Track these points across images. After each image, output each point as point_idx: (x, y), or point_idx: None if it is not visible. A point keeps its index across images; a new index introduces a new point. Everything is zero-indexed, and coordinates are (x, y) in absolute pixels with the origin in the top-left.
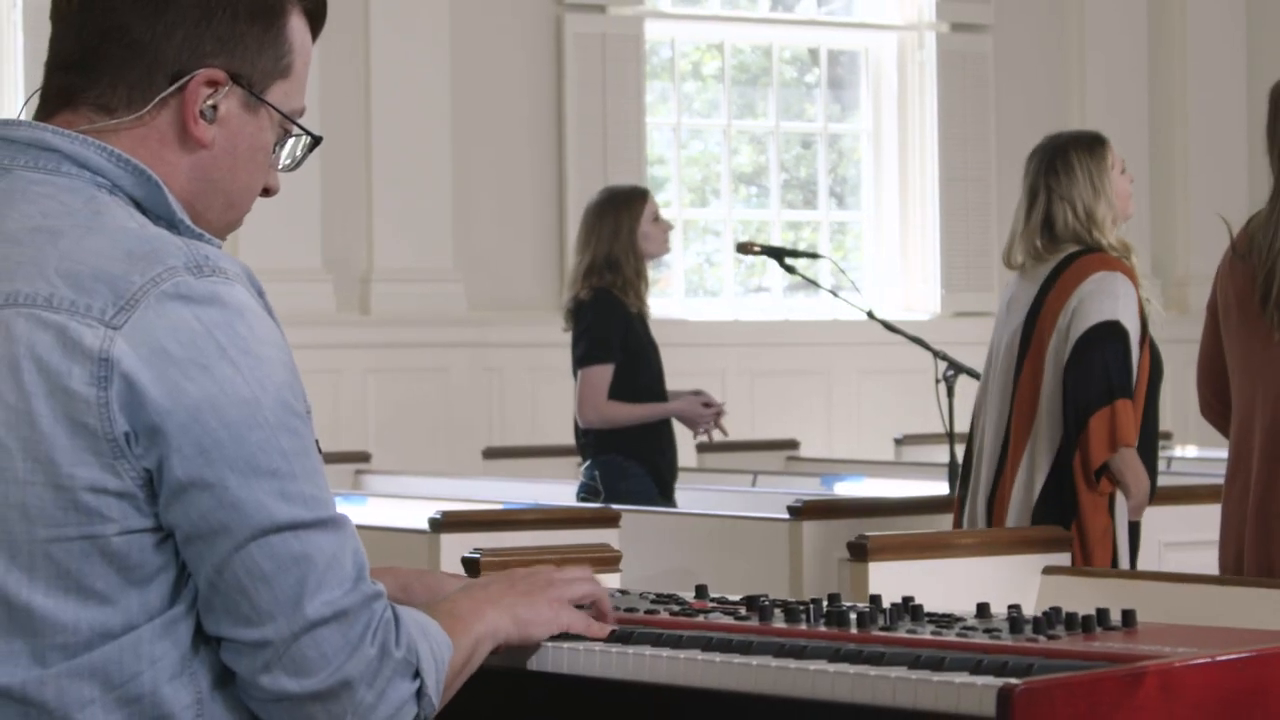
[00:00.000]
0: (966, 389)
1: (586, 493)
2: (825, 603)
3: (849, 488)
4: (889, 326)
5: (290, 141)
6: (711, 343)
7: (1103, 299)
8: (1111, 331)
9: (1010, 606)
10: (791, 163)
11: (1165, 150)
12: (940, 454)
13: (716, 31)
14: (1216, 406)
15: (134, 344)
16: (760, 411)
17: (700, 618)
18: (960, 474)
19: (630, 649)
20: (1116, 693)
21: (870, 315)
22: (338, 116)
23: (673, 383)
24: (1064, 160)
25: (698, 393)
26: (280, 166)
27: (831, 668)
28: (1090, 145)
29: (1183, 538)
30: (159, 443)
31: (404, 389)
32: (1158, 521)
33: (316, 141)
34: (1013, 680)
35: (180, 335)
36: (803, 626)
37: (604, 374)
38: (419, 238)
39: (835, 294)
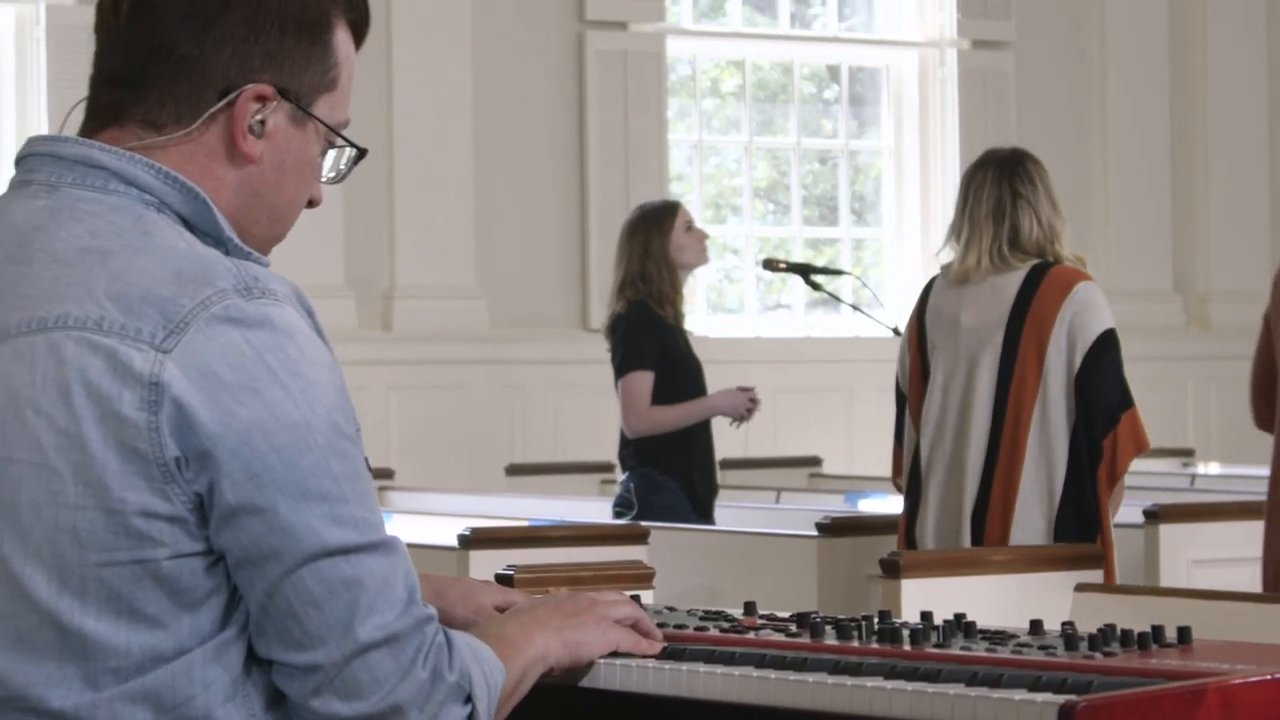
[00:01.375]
0: None
1: (621, 505)
2: (877, 619)
3: (874, 505)
4: None
5: (333, 153)
6: (733, 359)
7: (1098, 309)
8: (1114, 340)
9: (1065, 623)
10: (812, 179)
11: (1187, 166)
12: None
13: (737, 48)
14: (1270, 417)
15: (184, 368)
16: (782, 428)
17: (751, 634)
18: (906, 491)
19: (683, 666)
20: (1177, 710)
21: (896, 332)
22: (360, 133)
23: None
24: (1025, 172)
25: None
26: (324, 179)
27: (889, 684)
28: (1038, 161)
29: (1209, 555)
30: (209, 467)
31: (426, 406)
32: (1184, 539)
33: (362, 154)
34: (1073, 697)
35: (230, 359)
36: (855, 643)
37: (644, 380)
38: (441, 254)
39: (860, 310)
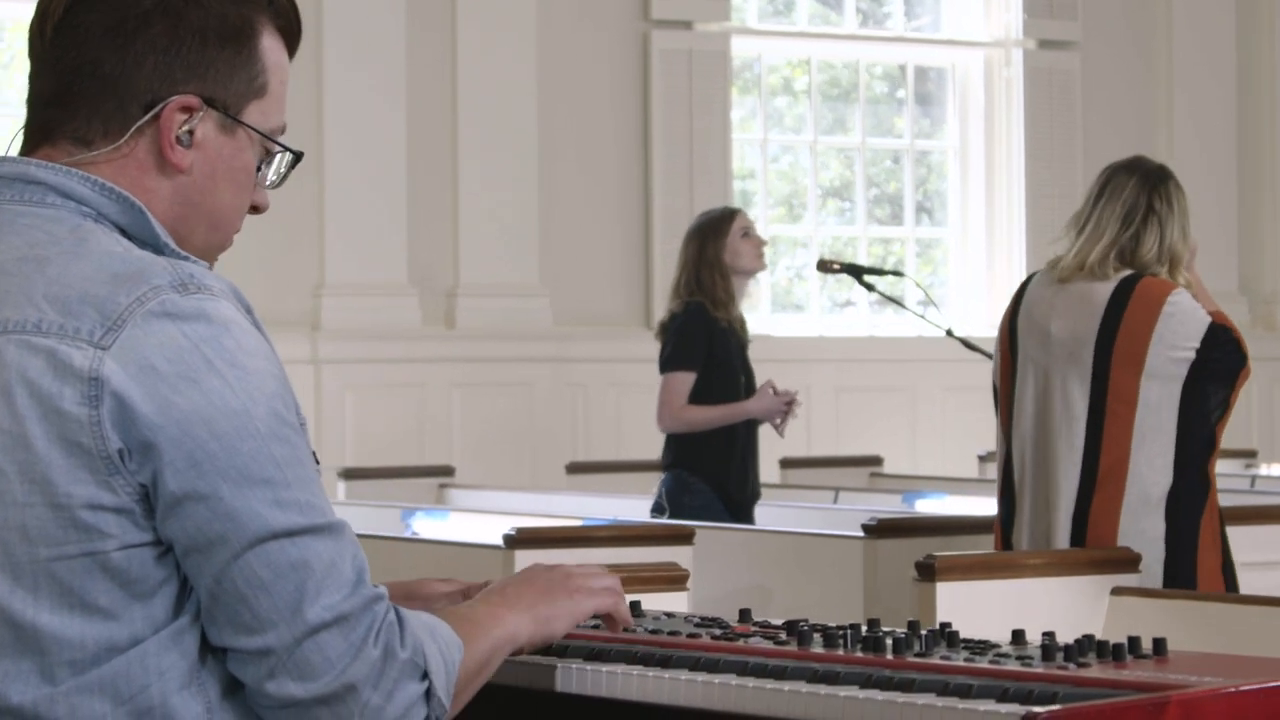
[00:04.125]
0: None
1: (655, 507)
2: (864, 628)
3: (930, 505)
4: (967, 344)
5: (275, 159)
6: (797, 358)
7: (1193, 314)
8: (1219, 333)
9: (1045, 634)
10: (879, 178)
11: (1253, 166)
12: None
13: (802, 48)
14: None
15: (123, 362)
16: (845, 428)
17: (741, 642)
18: (1002, 494)
19: (666, 673)
20: None
21: (949, 333)
22: (425, 132)
23: None
24: (1166, 190)
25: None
26: (267, 184)
27: (861, 694)
28: (1180, 185)
29: (1260, 558)
30: (152, 457)
31: (489, 403)
32: (1236, 541)
33: (298, 157)
34: (1035, 709)
35: (168, 351)
36: (840, 652)
37: (684, 380)
38: (505, 252)
39: (914, 310)
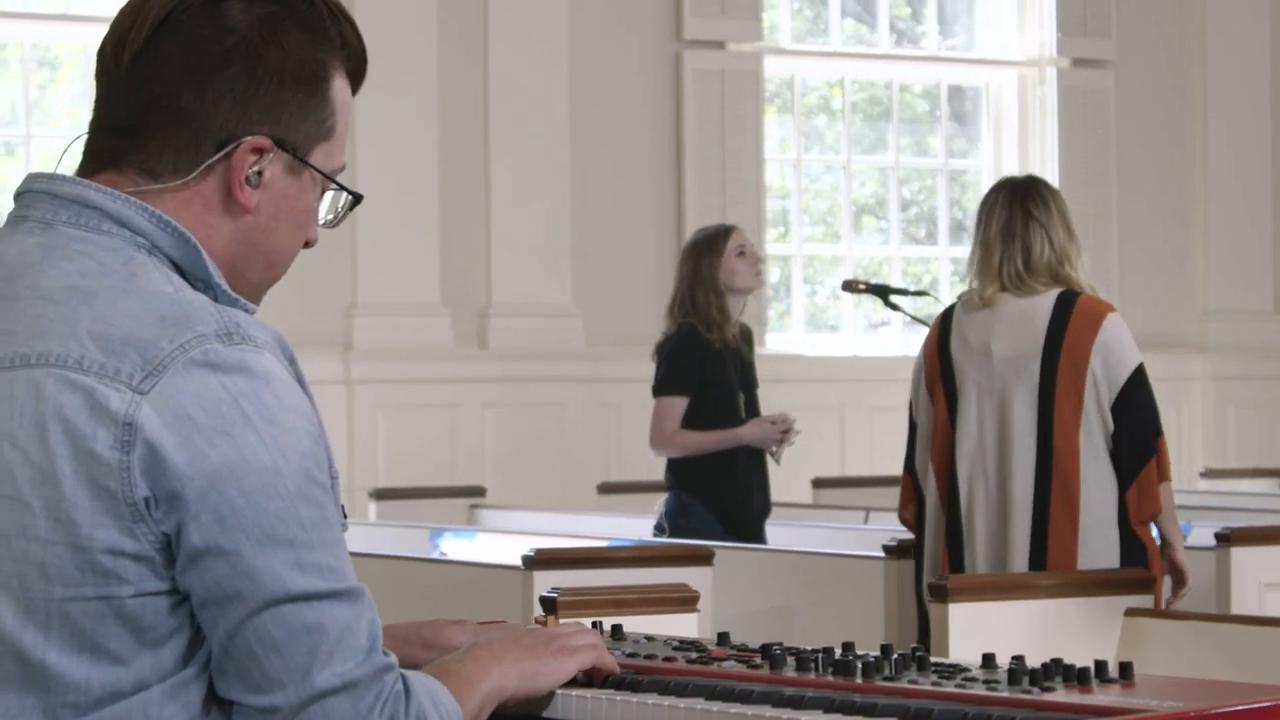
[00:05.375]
0: None
1: (656, 528)
2: (839, 651)
3: None
4: None
5: (329, 196)
6: (830, 378)
7: (1128, 344)
8: (1144, 376)
9: (1014, 658)
10: (924, 195)
11: None
12: None
13: (834, 67)
14: None
15: (159, 409)
16: (879, 447)
17: (716, 665)
18: (945, 519)
19: (634, 697)
20: None
21: None
22: (457, 151)
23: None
24: (1039, 195)
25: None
26: (321, 223)
27: (823, 718)
28: (1053, 188)
29: None
30: (178, 508)
31: (521, 424)
32: (1258, 562)
33: (357, 200)
34: None
35: (205, 402)
36: (812, 675)
37: (675, 405)
38: (537, 272)
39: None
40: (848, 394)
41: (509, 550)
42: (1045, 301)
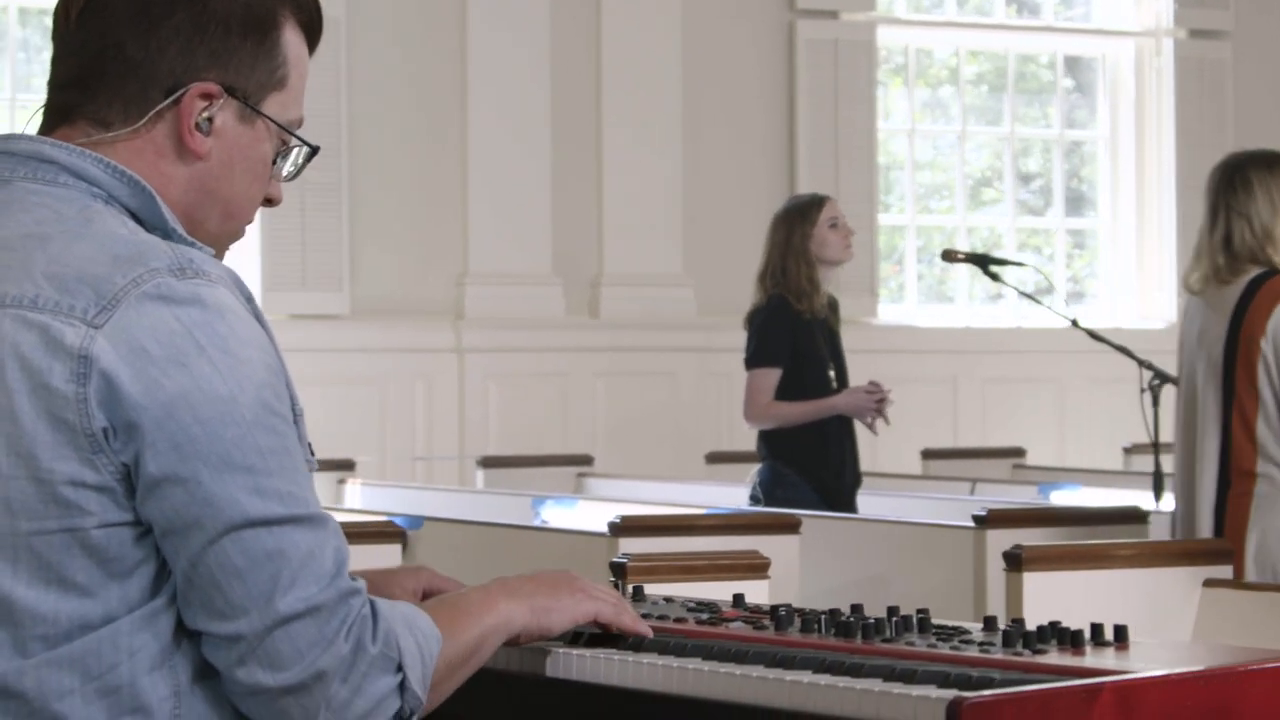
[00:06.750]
0: (1172, 398)
1: (751, 498)
2: (848, 613)
3: (1066, 497)
4: (1094, 335)
5: (293, 152)
6: (942, 349)
7: None
8: None
9: (1013, 620)
10: (1030, 168)
11: None
12: (1168, 463)
13: (950, 37)
14: None
15: (114, 342)
16: (990, 419)
17: (724, 627)
18: (1180, 488)
19: (632, 657)
20: (1069, 708)
21: (1074, 324)
22: (569, 121)
23: (897, 389)
24: (1242, 177)
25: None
26: (283, 177)
27: (807, 678)
28: (1270, 164)
29: None
30: (135, 438)
31: (631, 393)
32: None
33: (314, 151)
34: (963, 693)
35: (159, 334)
36: (814, 637)
37: (769, 377)
38: (649, 242)
39: (1037, 300)
40: (960, 365)
41: (606, 518)
42: (1240, 284)
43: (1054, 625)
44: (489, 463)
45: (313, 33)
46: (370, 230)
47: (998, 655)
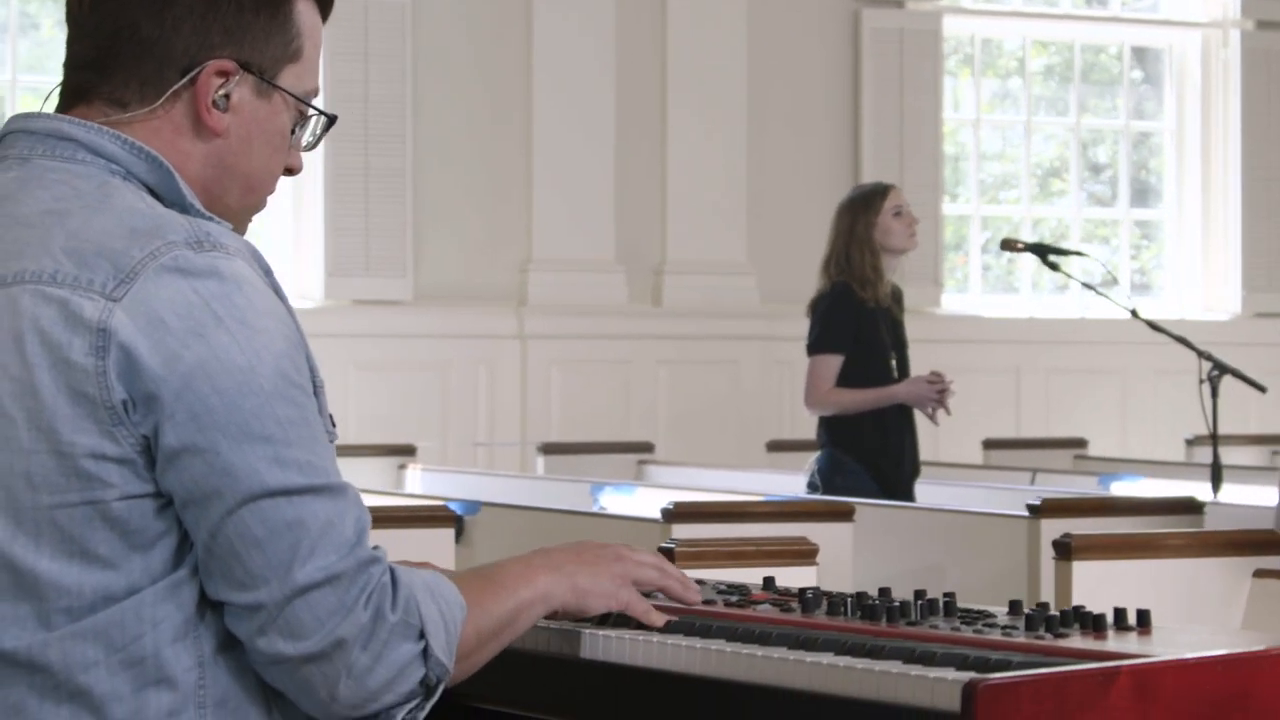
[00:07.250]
0: (1231, 389)
1: (809, 486)
2: (876, 597)
3: (1125, 488)
4: (1153, 326)
5: (310, 122)
6: (1006, 339)
7: None
8: None
9: (1038, 604)
10: (1098, 159)
11: None
12: (1227, 454)
13: (1016, 26)
14: None
15: (132, 314)
16: (1054, 409)
17: (751, 609)
18: None
19: (656, 637)
20: (1085, 692)
21: (1134, 314)
22: (634, 109)
23: (960, 379)
24: None
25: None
26: (302, 147)
27: (827, 660)
28: None
29: None
30: (154, 410)
31: (694, 381)
32: None
33: (332, 120)
34: (979, 676)
35: (177, 306)
36: (841, 620)
37: (830, 363)
38: (712, 230)
39: (1097, 290)
40: (1023, 355)
41: (662, 505)
42: None
43: (1077, 609)
44: (550, 449)
45: (326, 3)
46: (434, 216)
47: (1020, 639)
